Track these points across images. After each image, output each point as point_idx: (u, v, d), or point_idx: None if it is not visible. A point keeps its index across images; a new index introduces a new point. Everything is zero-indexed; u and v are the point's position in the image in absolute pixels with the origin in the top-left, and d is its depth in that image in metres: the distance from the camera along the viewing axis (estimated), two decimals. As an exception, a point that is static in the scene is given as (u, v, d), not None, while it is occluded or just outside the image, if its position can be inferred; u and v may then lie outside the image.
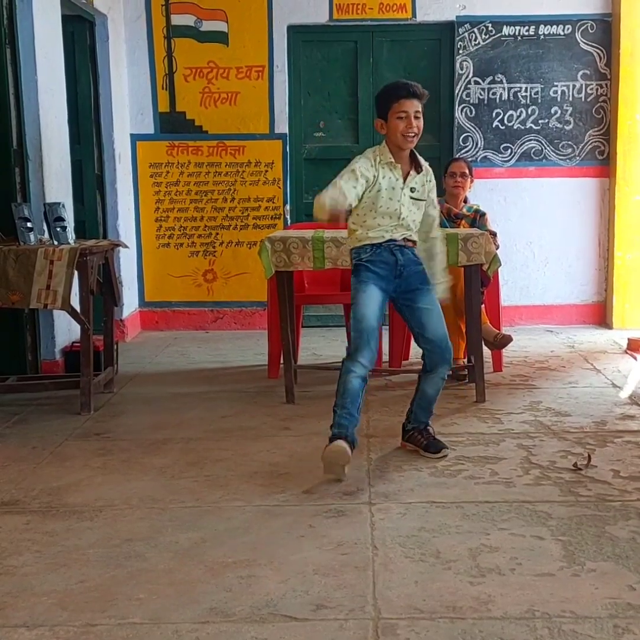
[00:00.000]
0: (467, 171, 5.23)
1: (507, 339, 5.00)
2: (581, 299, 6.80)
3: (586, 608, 2.34)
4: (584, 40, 6.51)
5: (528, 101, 6.60)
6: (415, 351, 5.52)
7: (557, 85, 6.58)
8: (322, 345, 5.96)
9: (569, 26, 6.50)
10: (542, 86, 6.59)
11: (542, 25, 6.50)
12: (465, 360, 4.95)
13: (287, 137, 6.66)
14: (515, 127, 6.63)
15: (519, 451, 3.69)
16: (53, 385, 4.58)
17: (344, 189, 3.34)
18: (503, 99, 6.61)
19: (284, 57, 6.57)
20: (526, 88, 6.59)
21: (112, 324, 4.91)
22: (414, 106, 3.46)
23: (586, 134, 6.62)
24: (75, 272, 4.25)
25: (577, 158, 6.65)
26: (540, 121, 6.62)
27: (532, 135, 6.63)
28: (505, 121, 6.62)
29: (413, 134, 3.46)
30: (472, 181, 5.30)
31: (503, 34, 6.52)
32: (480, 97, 6.60)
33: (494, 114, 6.62)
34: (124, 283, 6.27)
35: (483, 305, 4.87)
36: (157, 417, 4.34)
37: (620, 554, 2.67)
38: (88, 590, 2.50)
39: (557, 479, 3.34)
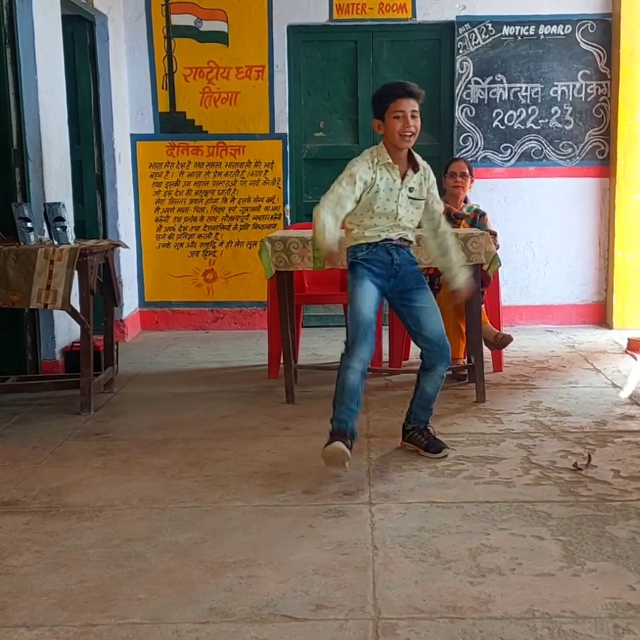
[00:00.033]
0: (467, 171, 5.23)
1: (507, 339, 5.00)
2: (581, 299, 6.80)
3: (586, 608, 2.34)
4: (584, 40, 6.51)
5: (528, 101, 6.60)
6: (415, 351, 5.52)
7: (557, 85, 6.58)
8: (322, 345, 5.96)
9: (569, 26, 6.50)
10: (542, 86, 6.59)
11: (542, 25, 6.50)
12: (465, 360, 4.95)
13: (287, 137, 6.66)
14: (515, 127, 6.63)
15: (519, 451, 3.69)
16: (53, 385, 4.58)
17: (343, 200, 3.40)
18: (503, 99, 6.61)
19: (284, 57, 6.58)
20: (526, 88, 6.59)
21: (112, 324, 4.91)
22: (411, 105, 3.46)
23: (586, 134, 6.62)
24: (75, 272, 4.25)
25: (577, 158, 6.65)
26: (540, 121, 6.62)
27: (532, 135, 6.63)
28: (505, 121, 6.63)
29: (410, 134, 3.46)
30: (472, 181, 5.30)
31: (503, 34, 6.52)
32: (480, 97, 6.60)
33: (494, 114, 6.62)
34: (124, 283, 6.26)
35: (483, 305, 4.87)
36: (157, 417, 4.34)
37: (620, 554, 2.67)
38: (88, 590, 2.50)
39: (557, 479, 3.34)
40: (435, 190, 3.68)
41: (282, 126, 6.63)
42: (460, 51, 6.54)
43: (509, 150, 6.65)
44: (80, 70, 6.14)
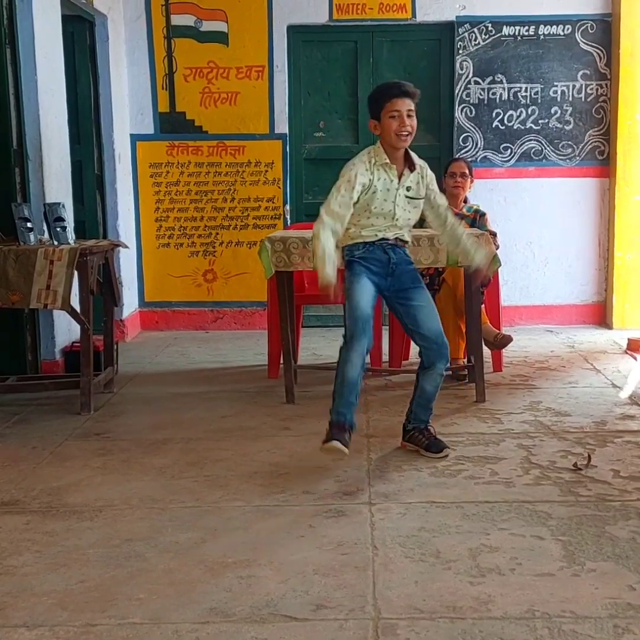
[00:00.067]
0: (467, 171, 5.23)
1: (507, 339, 5.00)
2: (581, 299, 6.80)
3: (586, 608, 2.34)
4: (584, 40, 6.51)
5: (528, 101, 6.60)
6: (415, 351, 5.51)
7: (557, 85, 6.58)
8: (322, 345, 5.96)
9: (569, 26, 6.50)
10: (542, 86, 6.59)
11: (542, 25, 6.50)
12: (465, 360, 4.95)
13: (287, 137, 6.66)
14: (515, 127, 6.63)
15: (519, 451, 3.69)
16: (53, 385, 4.58)
17: (342, 210, 3.44)
18: (503, 99, 6.61)
19: (284, 57, 6.58)
20: (526, 88, 6.59)
21: (112, 324, 4.91)
22: (406, 105, 3.48)
23: (586, 134, 6.62)
24: (75, 272, 4.25)
25: (577, 158, 6.65)
26: (540, 121, 6.62)
27: (532, 135, 6.63)
28: (505, 121, 6.63)
29: (406, 133, 3.47)
30: (472, 181, 5.30)
31: (503, 34, 6.52)
32: (480, 97, 6.60)
33: (494, 114, 6.62)
34: (124, 283, 6.27)
35: (483, 306, 4.87)
36: (157, 417, 4.34)
37: (620, 554, 2.67)
38: (88, 590, 2.50)
39: (557, 479, 3.34)
40: (435, 185, 3.69)
41: (282, 126, 6.63)
42: (460, 51, 6.54)
43: (509, 151, 6.65)
44: (80, 70, 6.14)
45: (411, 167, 3.56)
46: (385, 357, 5.22)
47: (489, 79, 6.58)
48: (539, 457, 3.60)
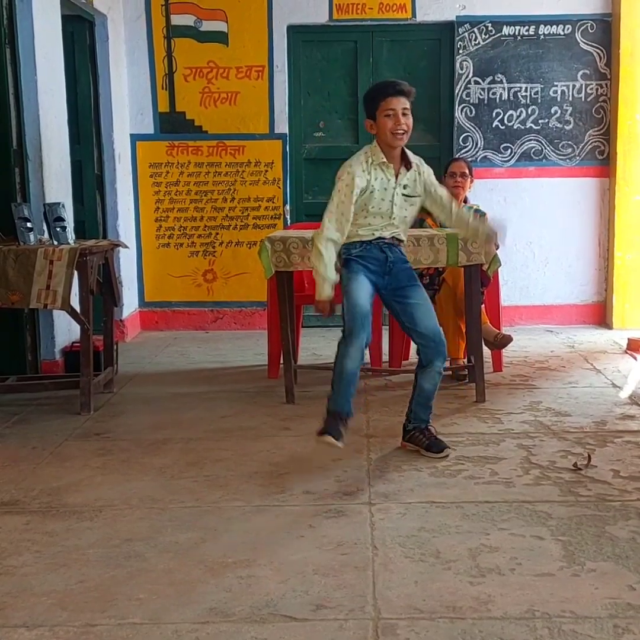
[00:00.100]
0: (467, 171, 5.23)
1: (507, 339, 5.00)
2: (581, 299, 6.80)
3: (586, 608, 2.34)
4: (584, 40, 6.51)
5: (528, 101, 6.60)
6: (414, 351, 5.52)
7: (557, 85, 6.58)
8: (322, 345, 5.96)
9: (569, 26, 6.50)
10: (542, 86, 6.59)
11: (542, 25, 6.50)
12: (465, 360, 4.95)
13: (287, 137, 6.66)
14: (515, 127, 6.63)
15: (519, 451, 3.69)
16: (53, 385, 4.58)
17: (345, 217, 3.48)
18: (503, 99, 6.61)
19: (284, 57, 6.57)
20: (526, 88, 6.59)
21: (112, 324, 4.91)
22: (401, 103, 3.49)
23: (586, 134, 6.62)
24: (75, 272, 4.25)
25: (577, 158, 6.65)
26: (540, 121, 6.62)
27: (532, 135, 6.63)
28: (505, 121, 6.62)
29: (402, 131, 3.48)
30: (472, 181, 5.30)
31: (503, 34, 6.52)
32: (480, 97, 6.60)
33: (494, 114, 6.62)
34: (124, 283, 6.26)
35: (483, 306, 4.87)
36: (157, 417, 4.34)
37: (620, 554, 2.67)
38: (88, 590, 2.50)
39: (557, 479, 3.34)
40: (433, 178, 3.69)
41: (282, 126, 6.63)
42: (460, 51, 6.54)
43: (509, 150, 6.65)
44: (80, 70, 6.14)
45: (407, 165, 3.56)
46: (385, 357, 5.22)
47: (489, 78, 6.57)
48: (539, 457, 3.60)
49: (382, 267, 3.56)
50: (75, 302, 4.46)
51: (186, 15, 6.53)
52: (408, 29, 6.59)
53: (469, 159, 6.05)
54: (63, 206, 4.57)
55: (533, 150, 6.65)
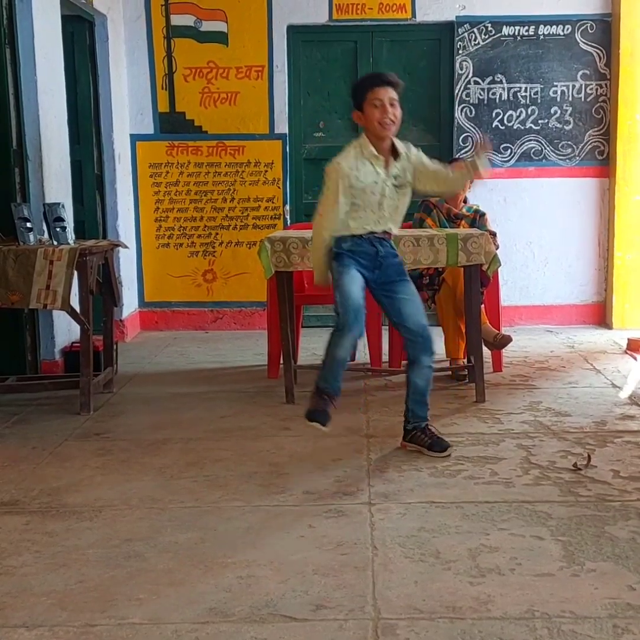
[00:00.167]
0: (466, 171, 5.22)
1: (507, 339, 5.00)
2: (581, 299, 6.80)
3: (586, 608, 2.34)
4: (584, 41, 6.51)
5: (528, 101, 6.60)
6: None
7: (556, 85, 6.58)
8: (322, 345, 5.90)
9: (569, 26, 6.50)
10: (542, 86, 6.59)
11: (541, 25, 6.50)
12: (465, 360, 4.95)
13: (287, 137, 6.66)
14: (515, 127, 6.63)
15: (519, 451, 3.69)
16: (53, 386, 4.58)
17: (339, 209, 3.52)
18: (503, 99, 6.61)
19: (284, 57, 6.57)
20: (526, 88, 6.59)
21: (111, 324, 4.91)
22: (388, 93, 3.49)
23: (586, 134, 6.62)
24: (75, 273, 4.25)
25: (577, 158, 6.65)
26: (540, 121, 6.62)
27: (532, 135, 6.63)
28: (505, 121, 6.62)
29: (390, 122, 3.48)
30: (471, 181, 5.29)
31: (503, 34, 6.52)
32: (480, 97, 6.60)
33: (493, 114, 6.62)
34: (124, 283, 6.26)
35: (483, 306, 4.87)
36: (157, 417, 4.34)
37: (620, 554, 2.67)
38: (87, 590, 2.50)
39: (557, 479, 3.34)
40: (421, 155, 3.65)
41: (282, 126, 6.63)
42: (460, 51, 6.54)
43: (509, 151, 6.65)
44: (79, 70, 6.14)
45: (396, 156, 3.57)
46: (385, 357, 5.22)
47: (489, 79, 6.57)
48: (538, 457, 3.60)
49: (373, 262, 3.59)
50: (75, 302, 4.46)
51: (186, 15, 6.53)
52: (408, 29, 6.59)
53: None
54: (63, 206, 4.57)
55: (533, 150, 6.65)
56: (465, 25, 6.51)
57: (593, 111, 6.59)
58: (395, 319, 3.66)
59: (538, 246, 6.74)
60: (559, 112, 6.61)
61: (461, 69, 6.56)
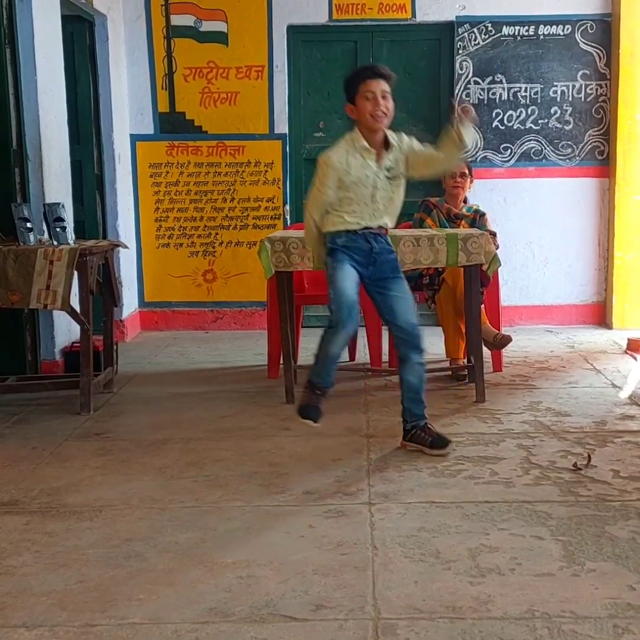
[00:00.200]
0: (466, 171, 5.23)
1: (507, 339, 5.00)
2: (581, 299, 6.80)
3: (586, 608, 2.34)
4: (584, 41, 6.51)
5: (528, 101, 6.60)
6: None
7: (556, 85, 6.58)
8: (321, 346, 5.95)
9: (569, 26, 6.50)
10: (542, 86, 6.59)
11: (541, 26, 6.50)
12: (465, 360, 4.95)
13: (287, 137, 6.66)
14: (515, 127, 6.63)
15: (519, 451, 3.69)
16: (53, 386, 4.58)
17: (325, 199, 3.56)
18: (503, 99, 6.61)
19: (284, 57, 6.58)
20: (526, 88, 6.59)
21: (111, 324, 4.91)
22: (381, 86, 3.50)
23: (586, 134, 6.62)
24: (75, 273, 4.25)
25: (577, 158, 6.65)
26: (540, 121, 6.62)
27: (532, 135, 6.63)
28: (505, 121, 6.62)
29: (382, 114, 3.48)
30: (471, 181, 5.30)
31: (503, 34, 6.52)
32: (480, 97, 6.60)
33: (493, 114, 6.62)
34: (124, 283, 6.26)
35: (483, 306, 4.87)
36: (157, 417, 4.34)
37: (620, 554, 2.67)
38: (87, 590, 2.50)
39: (557, 479, 3.34)
40: (412, 142, 3.64)
41: (282, 126, 6.63)
42: (460, 51, 6.54)
43: (509, 151, 6.65)
44: (79, 70, 6.14)
45: (388, 147, 3.56)
46: (385, 357, 5.21)
47: (489, 79, 6.58)
48: (538, 457, 3.60)
49: (367, 258, 3.59)
50: (75, 302, 4.46)
51: (186, 15, 6.53)
52: (408, 29, 6.59)
53: (469, 159, 6.04)
54: (63, 206, 4.57)
55: (533, 150, 6.65)
56: (465, 25, 6.51)
57: (593, 111, 6.59)
58: (386, 316, 3.68)
59: (538, 246, 6.74)
60: (559, 112, 6.61)
61: (461, 69, 6.56)
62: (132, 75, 6.59)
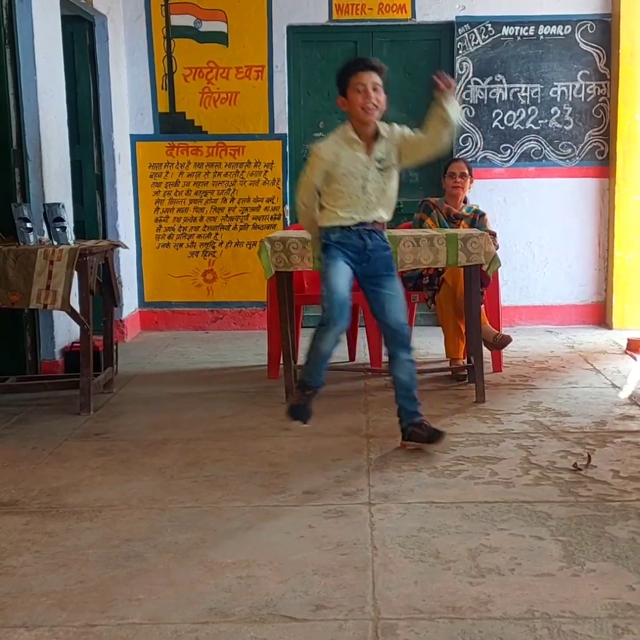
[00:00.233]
0: (466, 171, 5.23)
1: (507, 340, 5.00)
2: (581, 299, 6.80)
3: (586, 608, 2.34)
4: (584, 41, 6.51)
5: (528, 101, 6.60)
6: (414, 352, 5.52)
7: (556, 86, 6.58)
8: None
9: (569, 26, 6.50)
10: (542, 86, 6.59)
11: (541, 26, 6.50)
12: (465, 360, 4.95)
13: (287, 137, 6.66)
14: (515, 128, 6.63)
15: (519, 451, 3.69)
16: (52, 386, 4.58)
17: (313, 187, 3.63)
18: (503, 99, 6.61)
19: (284, 57, 6.58)
20: (526, 88, 6.59)
21: (111, 324, 4.91)
22: (371, 78, 3.51)
23: (586, 134, 6.62)
24: (75, 273, 4.25)
25: (577, 158, 6.65)
26: (540, 121, 6.62)
27: (532, 135, 6.63)
28: (505, 121, 6.63)
29: (372, 106, 3.48)
30: (471, 181, 5.30)
31: (503, 34, 6.52)
32: (480, 97, 6.60)
33: (493, 114, 6.62)
34: (124, 283, 6.27)
35: (483, 306, 4.87)
36: (157, 417, 4.34)
37: (620, 554, 2.67)
38: (87, 590, 2.50)
39: (557, 479, 3.34)
40: (403, 129, 3.62)
41: (282, 126, 6.63)
42: (460, 51, 6.54)
43: (509, 151, 6.65)
44: (79, 70, 6.14)
45: (377, 136, 3.56)
46: (384, 357, 5.20)
47: (489, 79, 6.58)
48: (538, 458, 3.60)
49: (361, 255, 3.61)
50: (75, 302, 4.46)
51: (186, 15, 6.53)
52: (408, 29, 6.59)
53: (469, 160, 6.05)
54: (63, 206, 4.57)
55: (533, 150, 6.65)
56: (465, 26, 6.51)
57: (593, 111, 6.60)
58: (377, 313, 3.71)
59: (538, 246, 6.74)
60: (559, 112, 6.61)
61: (461, 69, 6.56)
62: (132, 75, 6.60)
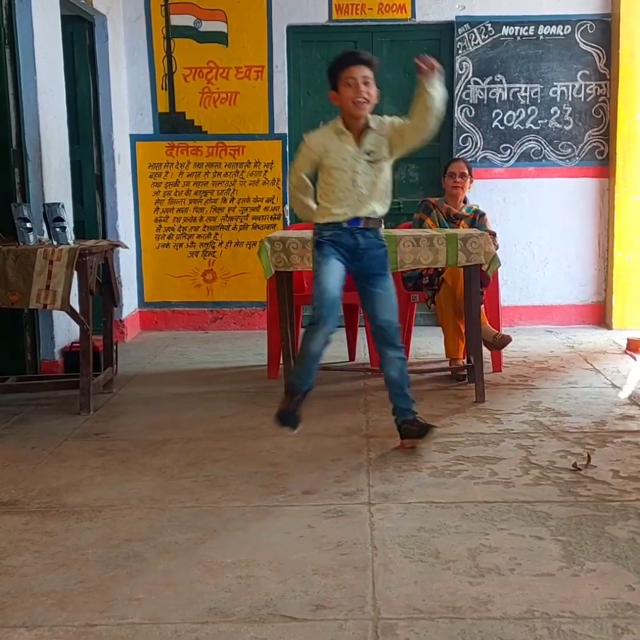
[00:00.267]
0: (466, 171, 5.23)
1: (507, 340, 5.00)
2: (581, 299, 6.80)
3: (586, 608, 2.34)
4: (584, 41, 6.51)
5: (527, 101, 6.60)
6: (414, 351, 5.53)
7: (556, 86, 6.58)
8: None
9: (569, 26, 6.50)
10: (542, 86, 6.59)
11: (541, 26, 6.50)
12: (465, 360, 4.95)
13: (287, 138, 6.66)
14: (514, 128, 6.63)
15: (519, 451, 3.69)
16: (52, 386, 4.58)
17: (299, 176, 3.75)
18: (502, 99, 6.61)
19: (284, 57, 6.58)
20: (526, 88, 6.59)
21: (111, 325, 4.91)
22: (362, 72, 3.50)
23: (586, 134, 6.62)
24: (75, 273, 4.25)
25: (577, 158, 6.65)
26: (539, 121, 6.62)
27: (532, 135, 6.63)
28: (505, 121, 6.63)
29: (363, 100, 3.48)
30: (471, 181, 5.30)
31: (502, 34, 6.52)
32: (480, 97, 6.60)
33: (493, 114, 6.62)
34: (124, 283, 6.26)
35: (482, 306, 4.87)
36: (157, 417, 4.34)
37: (620, 554, 2.67)
38: (87, 590, 2.50)
39: (557, 479, 3.34)
40: (393, 120, 3.62)
41: (282, 126, 6.63)
42: (460, 51, 6.54)
43: (509, 151, 6.65)
44: (79, 70, 6.14)
45: (367, 128, 3.56)
46: (384, 357, 5.21)
47: (489, 79, 6.58)
48: (538, 457, 3.60)
49: (353, 253, 3.62)
50: (74, 302, 4.46)
51: (186, 15, 6.53)
52: (408, 29, 6.59)
53: (469, 160, 6.05)
54: (62, 206, 4.57)
55: (532, 150, 6.65)
56: (465, 26, 6.51)
57: (593, 111, 6.60)
58: (369, 312, 3.73)
59: (538, 246, 6.74)
60: (558, 112, 6.61)
61: (461, 69, 6.56)
62: (132, 75, 6.60)
